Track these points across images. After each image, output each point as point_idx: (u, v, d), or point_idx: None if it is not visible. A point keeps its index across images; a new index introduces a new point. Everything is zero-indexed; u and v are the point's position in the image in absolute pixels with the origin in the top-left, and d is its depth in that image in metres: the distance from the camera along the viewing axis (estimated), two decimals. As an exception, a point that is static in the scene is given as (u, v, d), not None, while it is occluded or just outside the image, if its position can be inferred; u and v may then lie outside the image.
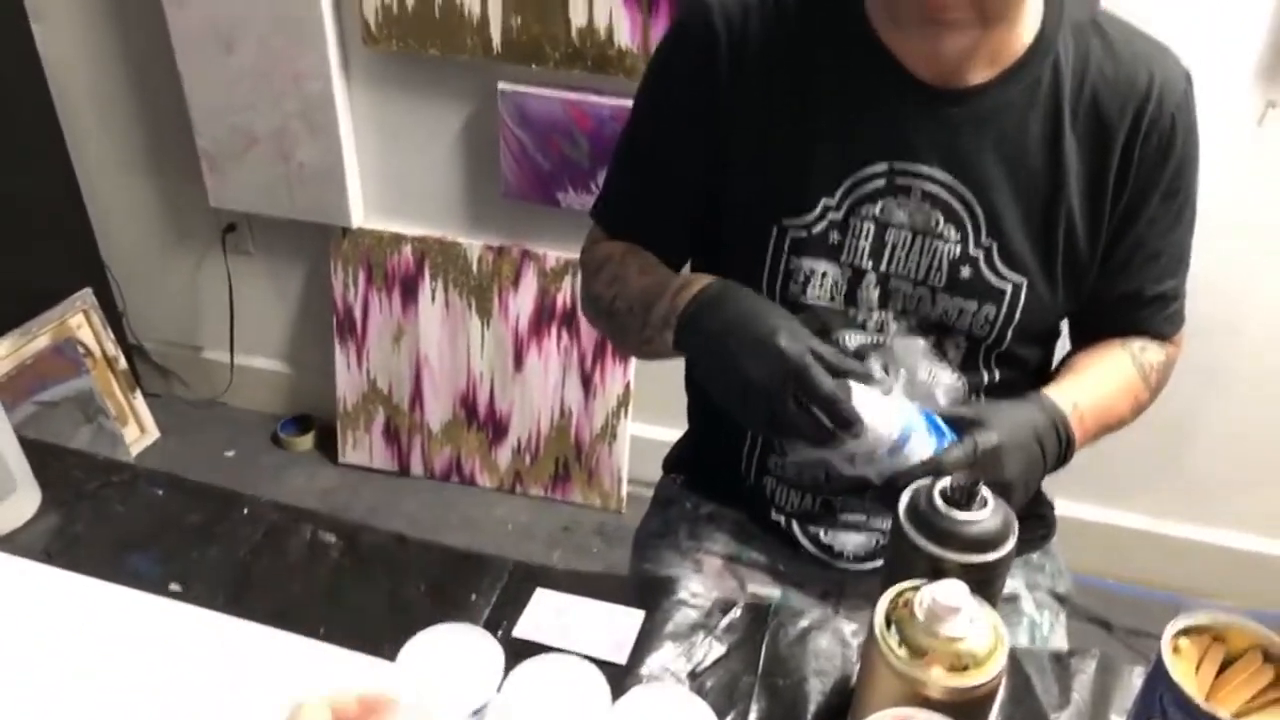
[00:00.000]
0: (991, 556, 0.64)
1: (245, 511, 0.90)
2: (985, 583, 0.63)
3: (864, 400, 0.71)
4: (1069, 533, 1.09)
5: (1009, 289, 0.87)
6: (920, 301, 0.89)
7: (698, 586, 0.86)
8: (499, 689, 0.63)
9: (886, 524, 0.97)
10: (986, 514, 0.65)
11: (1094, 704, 0.76)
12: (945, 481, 0.67)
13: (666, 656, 0.79)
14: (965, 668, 0.58)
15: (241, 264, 2.15)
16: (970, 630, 0.58)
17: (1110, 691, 0.77)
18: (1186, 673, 0.65)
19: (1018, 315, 0.88)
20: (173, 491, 0.93)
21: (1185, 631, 0.67)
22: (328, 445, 2.22)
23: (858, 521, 0.98)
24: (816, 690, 0.77)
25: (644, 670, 0.77)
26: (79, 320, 2.06)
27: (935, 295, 0.88)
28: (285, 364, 2.29)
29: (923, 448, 0.74)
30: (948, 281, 0.87)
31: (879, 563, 0.98)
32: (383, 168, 1.94)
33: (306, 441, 2.24)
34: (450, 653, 0.66)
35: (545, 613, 0.82)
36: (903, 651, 0.59)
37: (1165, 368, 0.97)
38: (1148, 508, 1.88)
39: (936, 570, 0.64)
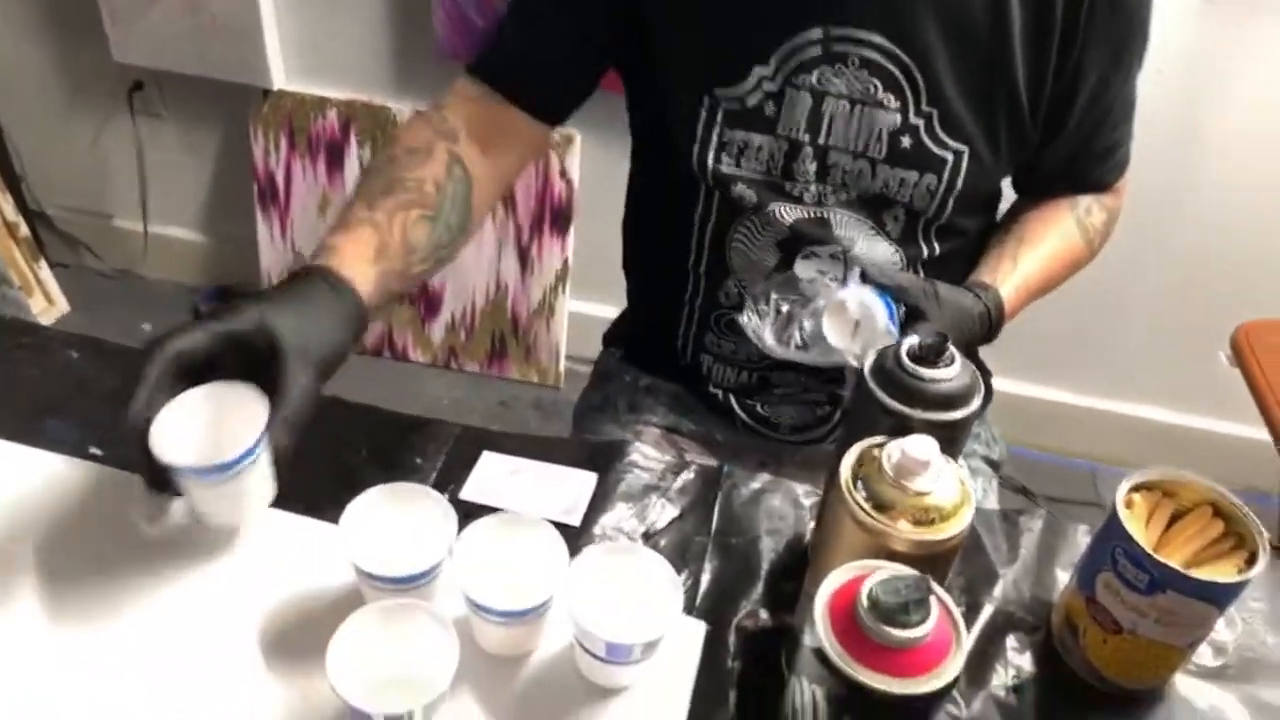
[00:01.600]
0: (958, 414, 0.63)
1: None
2: (951, 440, 0.62)
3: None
4: (994, 405, 1.10)
5: (950, 158, 0.84)
6: (860, 175, 0.86)
7: (650, 449, 0.85)
8: (450, 550, 0.61)
9: (822, 395, 0.98)
10: (954, 372, 0.64)
11: (1039, 559, 0.77)
12: (912, 340, 0.65)
13: (619, 518, 0.78)
14: (931, 521, 0.57)
15: (153, 127, 2.01)
16: (937, 485, 0.58)
17: (1056, 548, 0.78)
18: (1138, 526, 0.65)
19: (959, 184, 0.85)
20: (88, 354, 0.86)
21: (1137, 488, 0.68)
22: (252, 320, 2.13)
23: (794, 394, 0.98)
24: (769, 549, 0.77)
25: (597, 531, 0.76)
26: (-27, 184, 1.92)
27: (875, 167, 0.85)
28: (203, 234, 2.17)
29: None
30: (888, 152, 0.84)
31: (815, 433, 1.00)
32: (304, 24, 1.81)
33: (230, 316, 2.14)
34: (397, 513, 0.63)
35: (494, 476, 0.80)
36: (869, 506, 0.58)
37: (1108, 225, 0.97)
38: (1070, 383, 1.93)
39: (902, 428, 0.62)
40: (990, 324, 0.83)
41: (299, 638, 0.62)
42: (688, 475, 0.82)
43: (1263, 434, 1.28)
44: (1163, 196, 1.65)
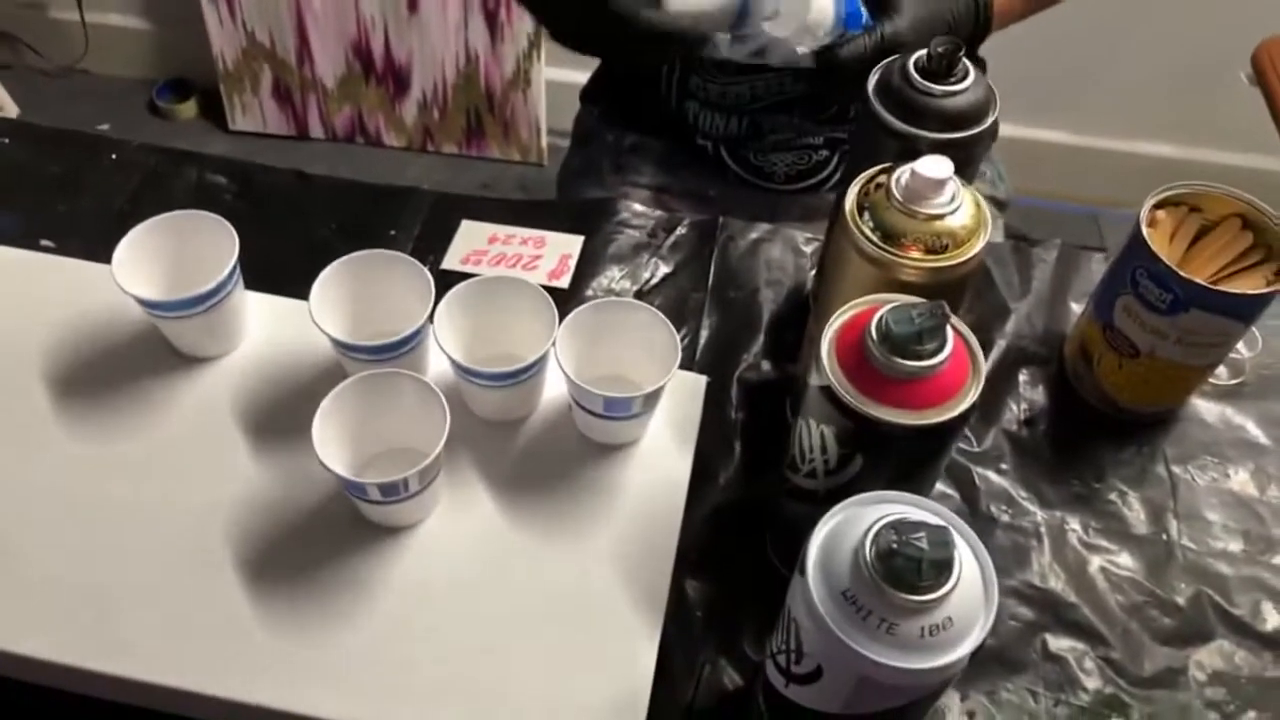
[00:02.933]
0: (972, 131, 0.58)
1: (114, 157, 0.78)
2: (965, 162, 0.56)
3: None
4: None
5: None
6: None
7: (639, 206, 0.80)
8: (431, 317, 0.57)
9: (818, 140, 0.91)
10: (967, 85, 0.58)
11: (1053, 292, 0.74)
12: (920, 52, 0.58)
13: (611, 279, 0.74)
14: (944, 249, 0.53)
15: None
16: (951, 208, 0.53)
17: (1069, 280, 0.75)
18: (1162, 244, 0.61)
19: None
20: (22, 140, 0.80)
21: (1162, 204, 0.63)
22: (214, 112, 2.02)
23: (787, 140, 0.92)
24: (770, 300, 0.73)
25: (588, 294, 0.72)
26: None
27: None
28: (147, 20, 2.02)
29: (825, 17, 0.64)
30: None
31: (810, 182, 0.94)
32: None
33: (189, 109, 2.03)
34: (372, 282, 0.59)
35: (475, 244, 0.75)
36: (877, 236, 0.53)
37: None
38: (1070, 121, 1.84)
39: (910, 153, 0.57)
40: (979, 13, 0.72)
41: (284, 419, 0.59)
42: (681, 230, 0.77)
43: (1281, 160, 1.22)
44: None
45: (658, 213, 0.79)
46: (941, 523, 0.41)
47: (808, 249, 0.76)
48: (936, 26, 0.68)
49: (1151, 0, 1.63)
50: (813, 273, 0.74)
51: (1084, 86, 1.78)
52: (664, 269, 0.75)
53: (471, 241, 0.75)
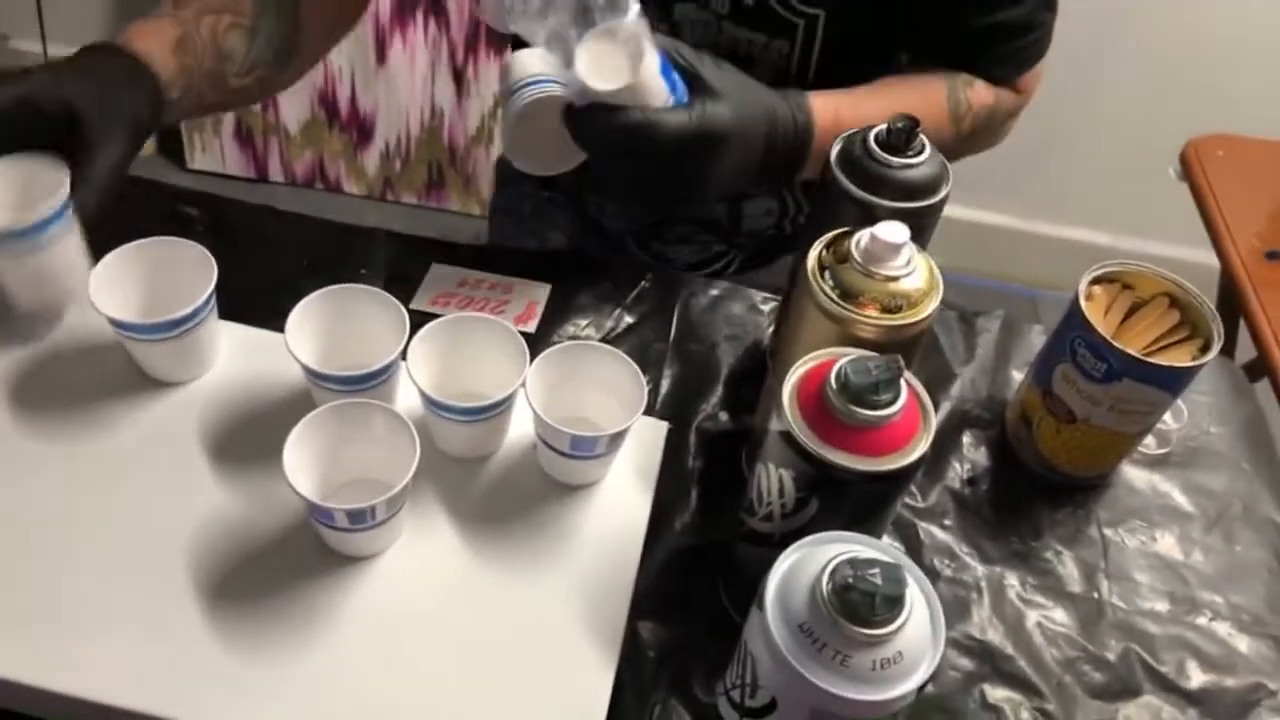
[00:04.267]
0: (927, 202, 0.61)
1: (88, 184, 0.79)
2: (918, 230, 0.60)
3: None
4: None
5: (802, 23, 0.77)
6: (706, 27, 0.79)
7: (605, 260, 0.82)
8: (404, 351, 0.58)
9: (714, 236, 0.95)
10: (923, 159, 0.62)
11: (996, 359, 0.78)
12: (880, 126, 0.62)
13: (576, 327, 0.76)
14: (899, 309, 0.56)
15: (41, -69, 1.83)
16: (907, 271, 0.56)
17: (1012, 348, 0.78)
18: (1097, 317, 0.65)
19: (815, 53, 0.79)
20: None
21: (1098, 280, 0.68)
22: (172, 150, 2.01)
23: (688, 233, 0.95)
24: (728, 354, 0.76)
25: (554, 340, 0.74)
26: None
27: (720, 23, 0.79)
28: (111, 57, 2.02)
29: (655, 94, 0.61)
30: (731, 8, 0.77)
31: (714, 268, 0.97)
32: None
33: (148, 146, 2.02)
34: (345, 315, 0.60)
35: (444, 286, 0.77)
36: (836, 295, 0.56)
37: (990, 114, 0.80)
38: (1011, 206, 1.93)
39: (868, 219, 0.60)
40: (793, 147, 0.68)
41: (250, 446, 0.60)
42: (645, 284, 0.80)
43: (1209, 256, 1.29)
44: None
45: (623, 267, 0.82)
46: (895, 560, 0.43)
47: (765, 307, 0.79)
48: (754, 125, 0.65)
49: (1091, 96, 1.73)
50: (770, 330, 0.77)
51: (1027, 174, 1.87)
52: (628, 319, 0.77)
53: (441, 284, 0.77)
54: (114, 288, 0.59)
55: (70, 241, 0.59)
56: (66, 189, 0.58)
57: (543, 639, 0.55)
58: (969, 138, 0.80)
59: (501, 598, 0.56)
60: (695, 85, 0.62)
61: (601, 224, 0.97)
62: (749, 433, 0.69)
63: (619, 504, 0.61)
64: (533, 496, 0.60)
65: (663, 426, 0.65)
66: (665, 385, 0.73)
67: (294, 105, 1.93)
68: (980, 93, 0.79)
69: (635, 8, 0.58)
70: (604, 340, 0.75)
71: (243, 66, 0.73)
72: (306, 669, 0.51)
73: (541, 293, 0.77)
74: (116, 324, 0.58)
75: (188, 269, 0.60)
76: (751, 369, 0.75)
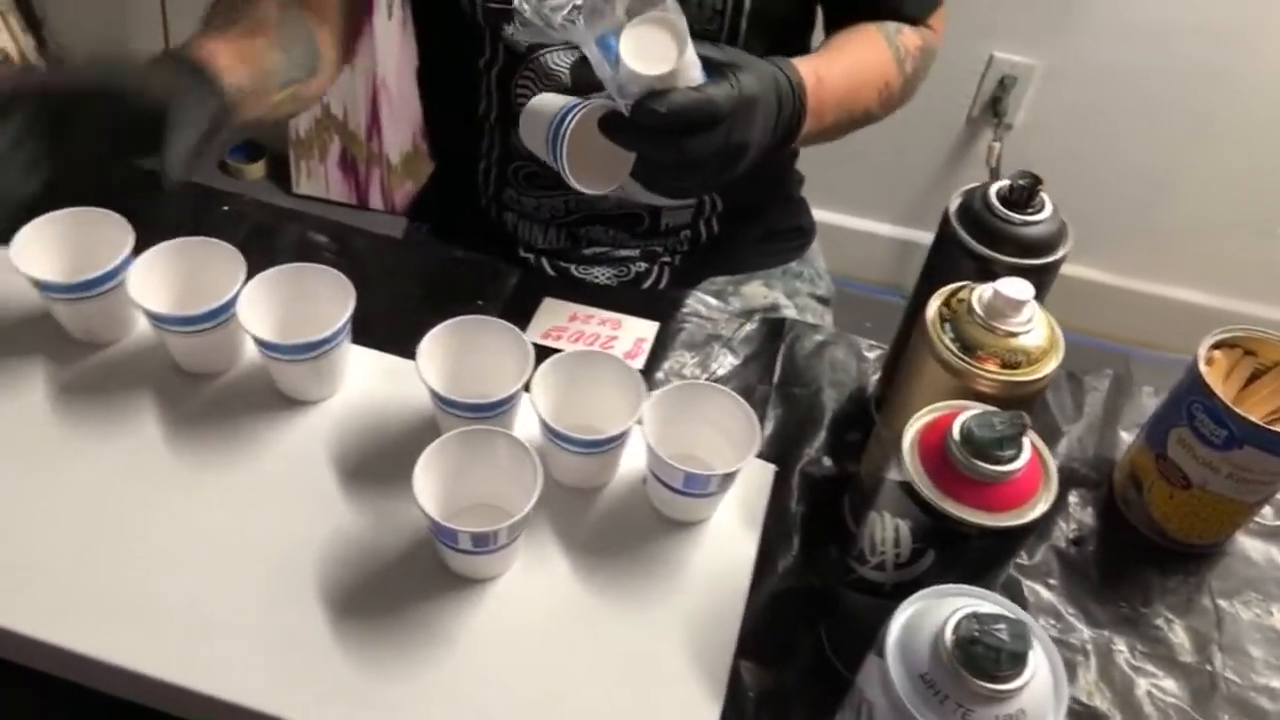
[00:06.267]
0: (1045, 260, 0.62)
1: (226, 209, 0.83)
2: (1035, 288, 0.60)
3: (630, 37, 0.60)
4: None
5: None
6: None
7: (709, 299, 0.84)
8: (526, 382, 0.60)
9: (634, 252, 0.94)
10: (1044, 217, 0.62)
11: (1105, 418, 0.77)
12: (1002, 182, 0.63)
13: (681, 364, 0.77)
14: (1019, 364, 0.56)
15: (174, -36, 1.94)
16: (1028, 327, 0.56)
17: (1120, 408, 0.78)
18: (1218, 382, 0.65)
19: (746, 3, 0.80)
20: (144, 182, 0.85)
21: (1219, 344, 0.67)
22: (280, 175, 2.10)
23: (603, 254, 0.94)
24: (832, 399, 0.76)
25: (659, 376, 0.76)
26: (-6, 23, 1.86)
27: None
28: (229, 85, 2.12)
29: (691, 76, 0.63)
30: None
31: (632, 294, 0.95)
32: None
33: (258, 170, 2.12)
34: (472, 345, 0.62)
35: (556, 320, 0.79)
36: (956, 348, 0.57)
37: (923, 55, 0.86)
38: (1108, 263, 1.90)
39: (986, 274, 0.61)
40: (794, 106, 0.70)
41: (378, 465, 0.62)
42: (751, 326, 0.81)
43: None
44: (1226, 54, 1.58)
45: (730, 307, 0.83)
46: (1021, 617, 0.43)
47: (870, 354, 0.80)
48: (770, 94, 0.67)
49: (1196, 153, 1.70)
50: (875, 377, 0.78)
51: (1125, 230, 1.83)
52: (732, 360, 0.79)
53: (553, 318, 0.79)
54: (256, 309, 0.62)
55: (343, 346, 0.64)
56: (351, 308, 0.62)
57: (650, 671, 0.55)
58: (911, 79, 0.86)
59: (610, 627, 0.57)
60: (710, 61, 0.64)
61: (517, 250, 0.95)
62: (852, 479, 0.70)
63: (726, 543, 0.62)
64: (642, 530, 0.61)
65: (770, 469, 0.66)
66: (769, 427, 0.74)
67: (396, 137, 1.99)
68: (910, 36, 0.86)
69: None
70: (709, 379, 0.77)
71: (282, 81, 0.77)
72: (423, 685, 0.53)
73: (649, 330, 0.79)
74: (261, 343, 0.61)
75: (324, 294, 0.63)
76: (855, 415, 0.75)
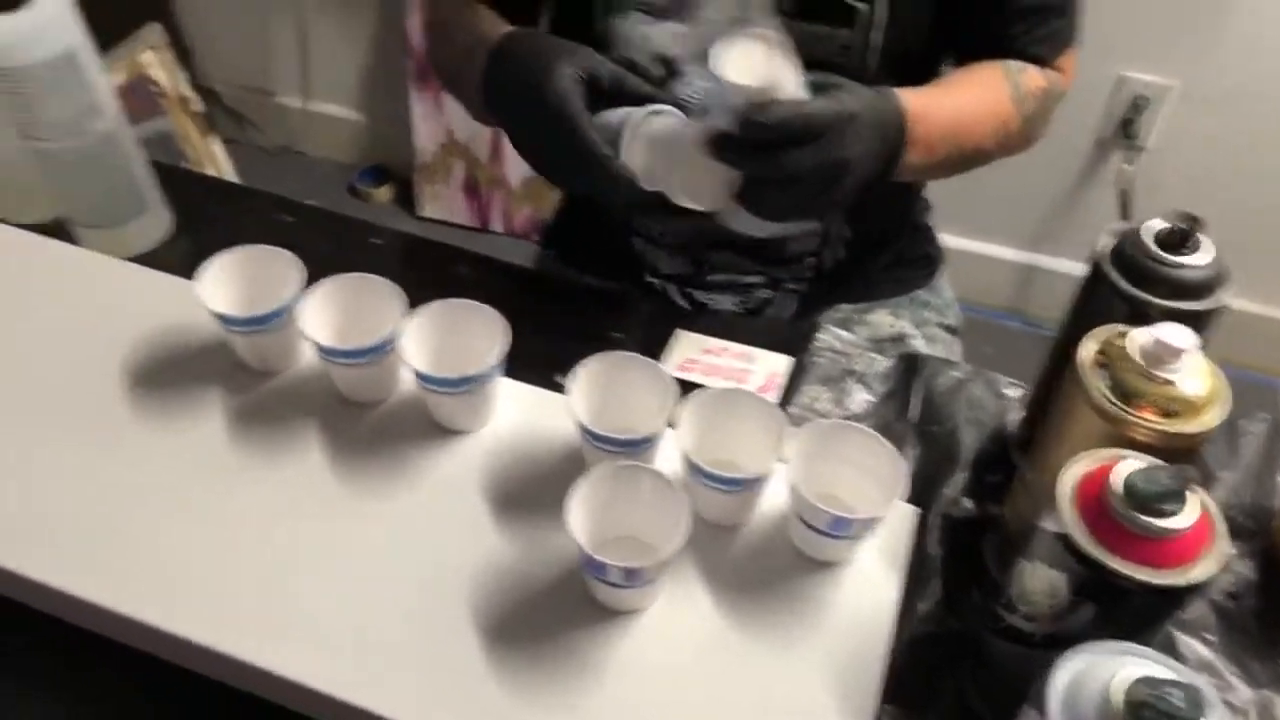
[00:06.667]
0: (1202, 305, 0.60)
1: (376, 242, 0.88)
2: (1196, 333, 0.58)
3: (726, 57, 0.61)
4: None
5: (864, 9, 0.78)
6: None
7: (842, 333, 0.84)
8: (671, 418, 0.61)
9: (759, 279, 0.94)
10: (1200, 259, 0.60)
11: (1262, 465, 0.74)
12: (1156, 222, 0.61)
13: (814, 398, 0.78)
14: (1177, 414, 0.55)
15: (316, 3, 2.04)
16: (1188, 376, 0.55)
17: (1279, 454, 0.74)
18: (1393, 433, 0.61)
19: (879, 40, 0.79)
20: (304, 220, 0.90)
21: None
22: (405, 198, 2.18)
23: (728, 281, 0.95)
24: (971, 438, 0.75)
25: (794, 411, 0.76)
26: (149, 58, 1.98)
27: (787, 24, 0.76)
28: (360, 112, 2.21)
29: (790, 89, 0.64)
30: (795, 3, 0.77)
31: (762, 322, 0.96)
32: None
33: (385, 194, 2.20)
34: (617, 380, 0.64)
35: (689, 352, 0.80)
36: (1112, 394, 0.56)
37: (1046, 96, 0.84)
38: (1256, 292, 1.81)
39: (1139, 317, 0.60)
40: (896, 135, 0.70)
41: (528, 496, 0.64)
42: (886, 361, 0.81)
43: None
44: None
45: (863, 340, 0.83)
46: (1194, 683, 0.42)
47: (1011, 393, 0.78)
48: (874, 116, 0.67)
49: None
50: (1012, 416, 0.76)
51: (1273, 256, 1.75)
52: (866, 395, 0.78)
53: (687, 350, 0.80)
54: (415, 344, 0.65)
55: (496, 379, 0.67)
56: (506, 344, 0.64)
57: (793, 711, 0.56)
58: (1030, 120, 0.84)
59: (752, 666, 0.57)
60: (811, 84, 0.64)
61: (644, 276, 0.96)
62: (995, 522, 0.69)
63: (869, 586, 0.62)
64: (784, 569, 0.62)
65: (912, 511, 0.66)
66: (908, 467, 0.73)
67: (518, 161, 2.04)
68: (1034, 76, 0.83)
69: None
70: (845, 416, 0.77)
71: None
72: (567, 713, 0.55)
73: (783, 364, 0.80)
74: (419, 376, 0.64)
75: (478, 330, 0.66)
76: (995, 455, 0.74)
